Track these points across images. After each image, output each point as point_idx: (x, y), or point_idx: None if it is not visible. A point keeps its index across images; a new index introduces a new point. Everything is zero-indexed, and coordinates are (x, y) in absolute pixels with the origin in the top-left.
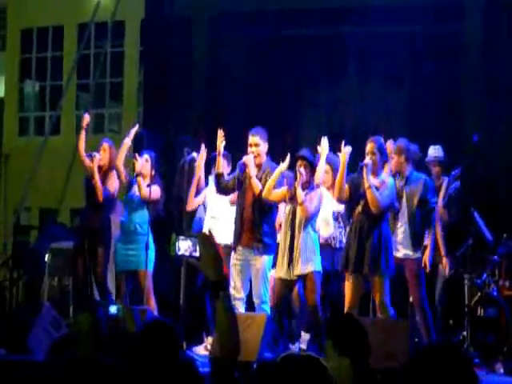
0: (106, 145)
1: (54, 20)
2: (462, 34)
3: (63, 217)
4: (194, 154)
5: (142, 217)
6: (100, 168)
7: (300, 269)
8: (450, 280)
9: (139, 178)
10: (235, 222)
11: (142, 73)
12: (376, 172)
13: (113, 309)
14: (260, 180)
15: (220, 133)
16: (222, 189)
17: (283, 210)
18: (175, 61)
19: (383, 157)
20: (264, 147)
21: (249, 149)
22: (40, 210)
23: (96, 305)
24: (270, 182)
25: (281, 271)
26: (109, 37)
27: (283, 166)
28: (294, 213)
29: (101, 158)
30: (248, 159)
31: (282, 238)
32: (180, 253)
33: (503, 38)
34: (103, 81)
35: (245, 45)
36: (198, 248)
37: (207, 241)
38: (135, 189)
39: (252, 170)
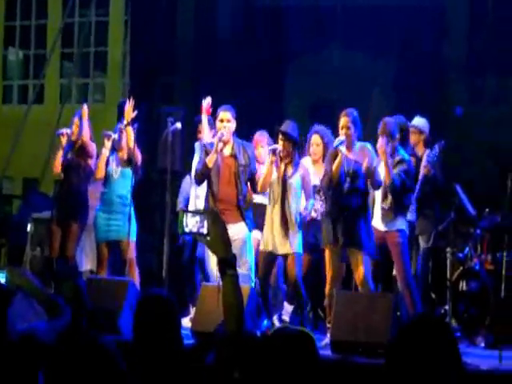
0: (77, 120)
1: None
2: (447, 8)
3: (46, 186)
4: (178, 125)
5: (124, 188)
6: (74, 143)
7: (287, 246)
8: (429, 252)
9: (129, 128)
10: None
11: (127, 42)
12: (350, 145)
13: None
14: (233, 157)
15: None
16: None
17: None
18: (161, 30)
19: (357, 129)
20: (233, 125)
21: (219, 124)
22: (23, 180)
23: (78, 274)
24: (263, 178)
25: (267, 245)
26: (93, 6)
27: (270, 160)
28: (284, 186)
29: (72, 132)
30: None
31: (269, 211)
32: (188, 229)
33: (489, 13)
34: (87, 50)
35: (231, 13)
36: (205, 224)
37: (215, 218)
38: (113, 164)
39: (220, 145)
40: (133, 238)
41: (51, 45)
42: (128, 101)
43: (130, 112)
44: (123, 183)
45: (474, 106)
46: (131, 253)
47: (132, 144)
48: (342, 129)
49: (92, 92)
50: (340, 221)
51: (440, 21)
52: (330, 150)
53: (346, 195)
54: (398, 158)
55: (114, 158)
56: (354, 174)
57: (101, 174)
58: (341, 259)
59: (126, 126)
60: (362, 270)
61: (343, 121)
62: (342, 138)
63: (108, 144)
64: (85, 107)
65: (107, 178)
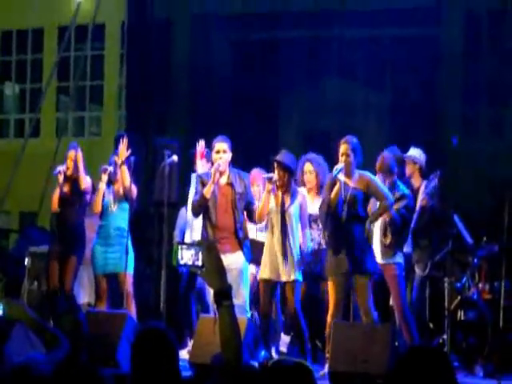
0: (72, 154)
1: (33, 22)
2: (441, 39)
3: (43, 220)
4: (174, 157)
5: (121, 220)
6: (69, 177)
7: (287, 274)
8: (425, 281)
9: (124, 167)
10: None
11: (123, 75)
12: (350, 173)
13: None
14: (230, 185)
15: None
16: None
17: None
18: (156, 63)
19: (357, 157)
20: (229, 155)
21: (215, 155)
22: (20, 214)
23: (78, 308)
24: (260, 207)
25: (268, 273)
26: (89, 39)
27: (267, 188)
28: (282, 215)
29: (67, 167)
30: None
31: (268, 239)
32: (182, 262)
33: (483, 44)
34: (83, 83)
35: (225, 47)
36: (199, 257)
37: (210, 249)
38: (111, 196)
39: (217, 176)
40: (130, 270)
41: (47, 79)
42: (122, 139)
43: (123, 151)
44: (120, 216)
45: (469, 136)
46: (128, 285)
47: (127, 183)
48: (341, 156)
49: (88, 125)
50: (342, 250)
51: (434, 51)
52: (329, 179)
53: (345, 223)
54: (398, 195)
55: (110, 190)
56: (352, 201)
57: (98, 207)
58: (346, 289)
59: (120, 165)
60: (366, 297)
61: (343, 148)
62: (340, 165)
63: (105, 178)
64: (79, 152)
65: (104, 211)
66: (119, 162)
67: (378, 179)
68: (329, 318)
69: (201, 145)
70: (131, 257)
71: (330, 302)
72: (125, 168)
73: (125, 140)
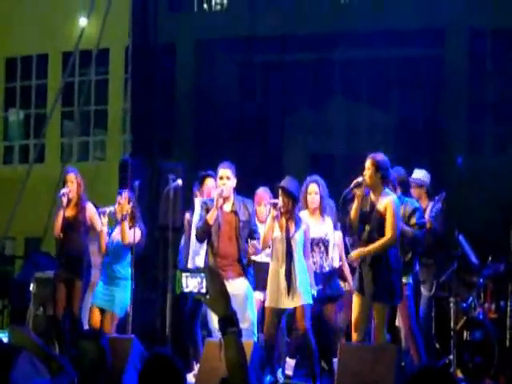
0: (71, 176)
1: (38, 48)
2: (446, 59)
3: (48, 246)
4: (179, 181)
5: (124, 261)
6: (72, 200)
7: (293, 301)
8: (431, 300)
9: (124, 224)
10: None
11: (127, 100)
12: (374, 189)
13: None
14: (234, 213)
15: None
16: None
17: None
18: (161, 87)
19: (382, 171)
20: (233, 182)
21: (219, 181)
22: (25, 240)
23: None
24: (265, 234)
25: (273, 301)
26: (93, 64)
27: (272, 215)
28: (288, 242)
29: (70, 190)
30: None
31: (273, 267)
32: (188, 290)
33: (487, 64)
34: (88, 108)
35: (230, 70)
36: (204, 284)
37: (214, 276)
38: (115, 234)
39: (220, 202)
40: (118, 312)
41: (52, 104)
42: (124, 192)
43: (125, 205)
44: (121, 256)
45: (474, 155)
46: (112, 326)
47: (127, 240)
48: (364, 170)
49: (93, 150)
50: (364, 271)
51: (439, 71)
52: (345, 193)
53: (365, 244)
54: (410, 209)
55: (114, 229)
56: (374, 223)
57: (104, 250)
58: (368, 309)
59: (121, 220)
60: (381, 321)
61: (366, 163)
62: (359, 179)
63: (105, 220)
64: (79, 177)
65: (107, 249)
66: (119, 216)
67: (395, 212)
68: (354, 335)
69: (207, 185)
70: (127, 299)
71: (353, 319)
72: (125, 224)
73: (125, 194)
